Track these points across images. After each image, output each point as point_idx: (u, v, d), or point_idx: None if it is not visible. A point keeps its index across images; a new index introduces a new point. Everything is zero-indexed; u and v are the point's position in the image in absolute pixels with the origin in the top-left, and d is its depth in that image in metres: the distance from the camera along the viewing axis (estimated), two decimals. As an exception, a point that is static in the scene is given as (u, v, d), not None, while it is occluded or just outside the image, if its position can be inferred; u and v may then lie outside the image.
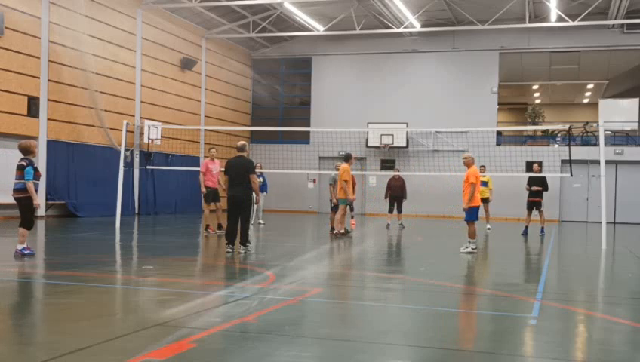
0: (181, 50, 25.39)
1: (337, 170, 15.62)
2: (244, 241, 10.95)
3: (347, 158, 15.18)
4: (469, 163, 12.24)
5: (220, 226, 15.19)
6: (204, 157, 16.23)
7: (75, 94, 20.15)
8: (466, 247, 12.10)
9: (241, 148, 11.17)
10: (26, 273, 8.81)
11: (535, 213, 17.32)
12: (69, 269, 9.01)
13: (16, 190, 10.06)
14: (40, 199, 19.14)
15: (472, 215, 12.07)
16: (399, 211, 19.43)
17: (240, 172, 10.84)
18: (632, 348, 5.39)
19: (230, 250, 10.92)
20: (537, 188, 17.19)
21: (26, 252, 10.01)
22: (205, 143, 26.90)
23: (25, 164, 10.01)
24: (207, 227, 15.31)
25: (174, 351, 4.67)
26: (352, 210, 19.51)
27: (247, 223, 11.19)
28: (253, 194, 11.32)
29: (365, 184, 27.01)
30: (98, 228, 16.56)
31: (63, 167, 20.04)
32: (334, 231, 15.13)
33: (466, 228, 12.26)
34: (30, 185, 9.94)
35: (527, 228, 17.30)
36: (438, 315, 6.62)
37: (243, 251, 10.89)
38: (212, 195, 15.22)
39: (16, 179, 10.06)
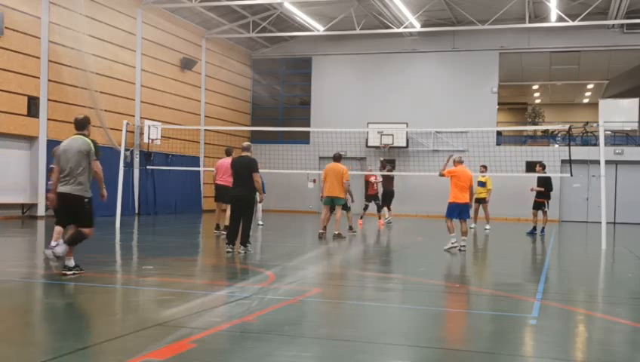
0: (181, 50, 25.39)
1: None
2: (245, 241, 10.92)
3: (339, 158, 14.96)
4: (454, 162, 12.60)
5: (217, 226, 15.03)
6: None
7: (75, 94, 20.14)
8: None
9: (246, 148, 11.12)
10: (26, 273, 8.82)
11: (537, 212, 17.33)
12: (69, 269, 8.99)
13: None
14: (40, 199, 19.31)
15: (447, 211, 12.45)
16: (388, 209, 19.79)
17: (243, 171, 10.74)
18: (632, 348, 5.39)
19: (230, 250, 10.88)
20: (538, 189, 17.16)
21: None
22: (205, 143, 26.93)
23: None
24: (217, 226, 14.99)
25: (174, 351, 4.67)
26: (365, 209, 19.91)
27: (249, 223, 11.10)
28: (257, 194, 11.14)
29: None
30: (98, 228, 16.38)
31: (62, 167, 20.02)
32: (336, 232, 14.98)
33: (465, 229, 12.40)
34: None
35: (534, 228, 17.26)
36: (438, 315, 6.62)
37: (243, 251, 10.85)
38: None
39: (52, 180, 10.30)
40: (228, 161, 14.45)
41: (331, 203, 14.63)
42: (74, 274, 8.00)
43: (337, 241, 14.17)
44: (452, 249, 12.16)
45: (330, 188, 14.41)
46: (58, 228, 10.11)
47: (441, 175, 12.54)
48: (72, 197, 7.94)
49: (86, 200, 8.00)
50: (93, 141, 8.17)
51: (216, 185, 14.81)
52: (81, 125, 8.19)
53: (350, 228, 16.36)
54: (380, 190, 20.20)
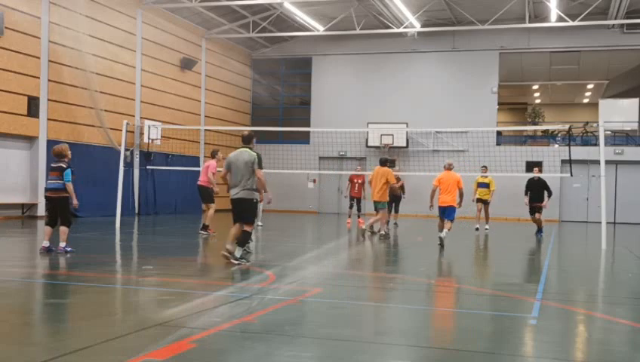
0: (181, 50, 25.39)
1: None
2: (245, 242, 10.93)
3: (385, 162, 15.26)
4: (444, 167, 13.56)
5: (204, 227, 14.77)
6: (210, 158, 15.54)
7: (75, 94, 20.15)
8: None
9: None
10: (26, 273, 8.81)
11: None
12: (70, 269, 9.01)
13: (51, 189, 10.39)
14: (40, 199, 19.31)
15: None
16: (396, 211, 19.66)
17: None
18: (632, 348, 5.39)
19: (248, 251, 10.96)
20: (539, 205, 16.72)
21: (68, 249, 10.32)
22: (205, 143, 26.91)
23: (64, 166, 10.42)
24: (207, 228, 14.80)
25: (174, 351, 4.67)
26: (359, 210, 19.92)
27: (252, 222, 11.20)
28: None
29: (365, 184, 26.95)
30: (98, 228, 16.55)
31: (62, 167, 20.01)
32: (364, 227, 15.16)
33: (458, 228, 12.51)
34: (71, 186, 10.37)
35: (539, 228, 17.03)
36: (438, 315, 6.62)
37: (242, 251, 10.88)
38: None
39: (51, 180, 10.42)
40: (210, 163, 14.83)
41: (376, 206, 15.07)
42: (239, 263, 9.26)
43: (367, 237, 14.48)
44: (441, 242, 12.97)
45: (373, 192, 14.95)
46: (47, 229, 10.27)
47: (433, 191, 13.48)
48: (242, 201, 9.41)
49: (253, 201, 9.51)
50: (257, 154, 9.60)
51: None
52: (247, 140, 9.75)
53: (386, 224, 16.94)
54: (367, 191, 20.20)
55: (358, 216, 19.86)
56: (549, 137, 30.64)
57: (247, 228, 9.52)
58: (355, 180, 19.87)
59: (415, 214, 25.74)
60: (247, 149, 9.61)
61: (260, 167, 9.58)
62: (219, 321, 5.74)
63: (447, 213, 13.12)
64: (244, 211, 9.51)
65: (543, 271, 10.02)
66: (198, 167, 25.73)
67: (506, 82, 30.98)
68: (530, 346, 5.41)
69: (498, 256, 13.25)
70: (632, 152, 26.25)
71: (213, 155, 15.13)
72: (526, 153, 25.92)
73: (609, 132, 26.34)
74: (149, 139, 23.07)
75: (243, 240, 9.50)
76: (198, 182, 14.94)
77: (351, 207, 20.04)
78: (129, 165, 22.20)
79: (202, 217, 15.28)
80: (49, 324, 5.84)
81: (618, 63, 29.86)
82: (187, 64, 25.56)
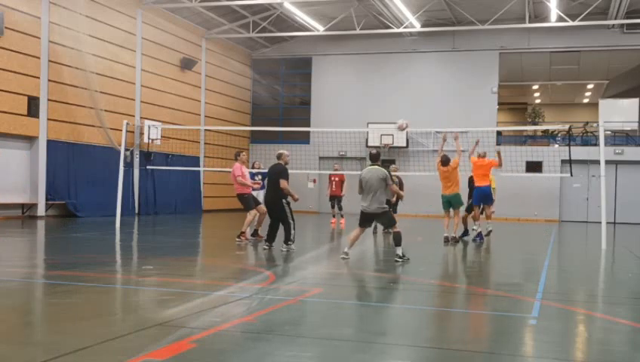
0: (181, 50, 25.39)
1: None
2: (287, 240, 11.52)
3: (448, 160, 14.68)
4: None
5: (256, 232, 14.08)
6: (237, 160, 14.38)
7: (75, 94, 20.16)
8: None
9: (278, 157, 11.95)
10: (26, 273, 8.81)
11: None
12: (69, 269, 9.00)
13: None
14: (40, 198, 19.31)
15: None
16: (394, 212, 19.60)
17: (273, 177, 11.74)
18: (632, 348, 5.39)
19: (266, 247, 11.67)
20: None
21: None
22: (205, 143, 26.92)
23: None
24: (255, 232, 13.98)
25: (174, 351, 4.66)
26: (340, 208, 19.96)
27: (286, 224, 11.60)
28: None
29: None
30: (98, 228, 16.55)
31: (63, 167, 20.03)
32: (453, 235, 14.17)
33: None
34: None
35: (466, 230, 15.57)
36: (438, 315, 6.62)
37: (285, 249, 11.39)
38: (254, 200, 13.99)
39: None
40: (235, 166, 13.82)
41: (449, 204, 14.22)
42: (403, 261, 10.17)
43: (453, 245, 13.63)
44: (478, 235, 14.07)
45: (452, 186, 14.26)
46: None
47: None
48: (377, 213, 10.49)
49: (387, 211, 10.57)
50: (387, 170, 10.53)
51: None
52: (376, 158, 10.69)
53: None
54: (344, 191, 20.11)
55: (342, 216, 20.02)
56: (549, 137, 30.64)
57: (394, 230, 10.57)
58: (332, 178, 19.94)
59: (415, 214, 25.76)
60: (377, 166, 10.49)
61: (393, 183, 10.59)
62: (219, 321, 5.74)
63: (483, 197, 14.22)
64: (382, 221, 10.80)
65: (543, 271, 10.02)
66: (198, 166, 25.84)
67: (506, 82, 30.97)
68: (530, 346, 5.41)
69: (498, 256, 13.24)
70: (632, 152, 26.25)
71: (236, 157, 14.10)
72: (526, 153, 25.89)
73: (609, 132, 26.34)
74: (149, 139, 23.07)
75: (398, 239, 10.45)
76: (236, 192, 13.92)
77: (332, 206, 20.13)
78: (129, 165, 22.20)
79: (250, 223, 13.89)
80: (49, 324, 5.84)
81: (618, 63, 29.85)
82: (187, 64, 25.56)
